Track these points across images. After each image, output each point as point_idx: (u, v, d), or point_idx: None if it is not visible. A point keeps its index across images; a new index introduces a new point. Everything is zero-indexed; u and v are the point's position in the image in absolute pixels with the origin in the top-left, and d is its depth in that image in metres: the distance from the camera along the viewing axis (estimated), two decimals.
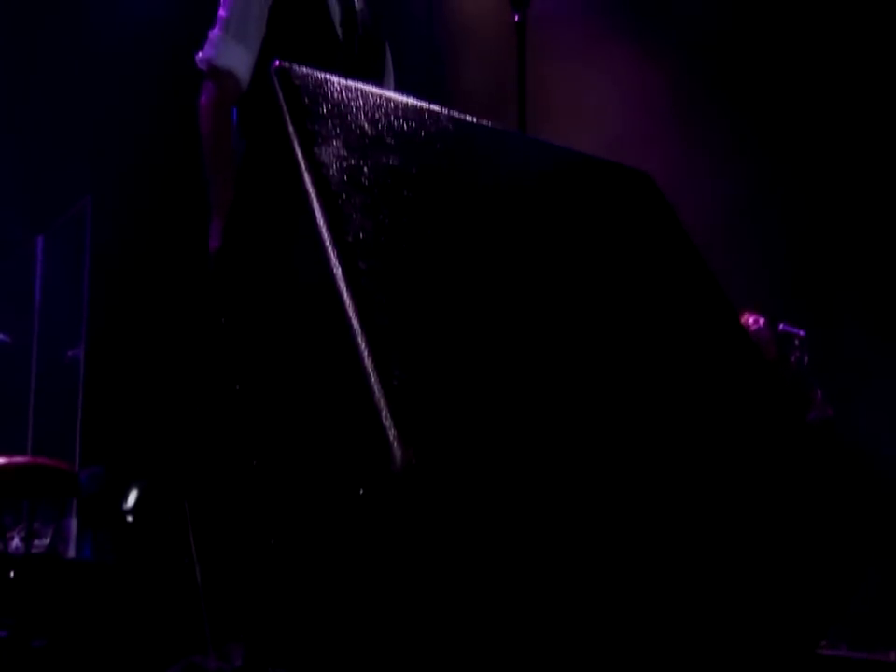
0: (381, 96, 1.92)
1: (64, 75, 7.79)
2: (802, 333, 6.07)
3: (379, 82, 3.97)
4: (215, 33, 3.70)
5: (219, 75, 3.65)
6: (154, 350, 7.43)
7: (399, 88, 4.10)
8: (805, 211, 7.57)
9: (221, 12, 3.72)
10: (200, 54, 3.71)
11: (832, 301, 7.33)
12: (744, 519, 1.86)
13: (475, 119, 2.08)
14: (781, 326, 6.05)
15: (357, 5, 3.91)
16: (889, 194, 7.29)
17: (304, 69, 1.86)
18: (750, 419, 2.07)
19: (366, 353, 1.56)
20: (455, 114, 2.04)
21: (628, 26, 8.23)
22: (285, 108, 1.78)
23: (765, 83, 7.92)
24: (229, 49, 3.66)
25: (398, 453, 1.49)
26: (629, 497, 1.70)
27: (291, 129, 1.75)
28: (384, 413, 1.52)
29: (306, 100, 1.78)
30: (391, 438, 1.50)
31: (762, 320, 6.23)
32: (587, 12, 7.75)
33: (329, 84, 1.86)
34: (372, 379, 1.54)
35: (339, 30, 3.80)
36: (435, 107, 2.01)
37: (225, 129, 3.62)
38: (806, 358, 6.00)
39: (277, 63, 1.83)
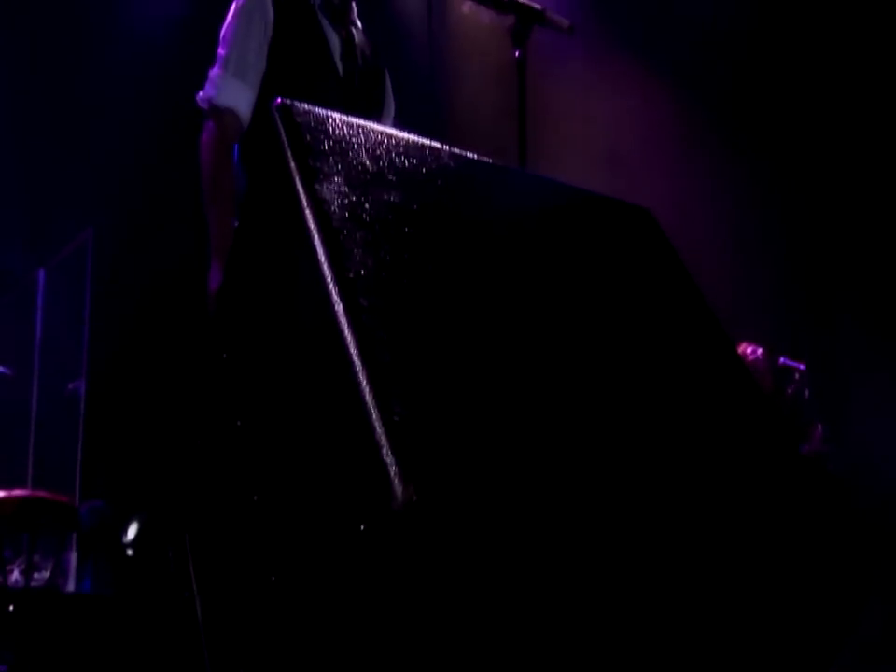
0: (382, 133, 1.93)
1: (67, 108, 7.82)
2: (802, 367, 6.08)
3: (379, 113, 4.00)
4: (214, 71, 3.72)
5: (220, 113, 3.67)
6: (155, 383, 7.43)
7: (400, 118, 4.13)
8: (808, 240, 7.59)
9: (220, 50, 3.74)
10: (200, 93, 3.73)
11: (830, 332, 7.35)
12: (734, 551, 1.86)
13: (476, 156, 2.09)
14: (781, 359, 6.06)
15: (357, 37, 3.94)
16: (891, 222, 7.31)
17: (306, 106, 1.87)
18: (743, 451, 2.07)
19: (367, 389, 1.57)
20: (456, 151, 2.05)
21: (629, 56, 8.28)
22: (286, 145, 1.78)
23: (767, 110, 7.96)
24: (229, 87, 3.68)
25: (398, 489, 1.49)
26: (630, 539, 1.70)
27: (293, 165, 1.76)
28: (384, 449, 1.52)
29: (308, 137, 1.79)
30: (392, 474, 1.50)
31: (759, 350, 6.24)
32: (588, 45, 7.79)
33: (330, 121, 1.87)
34: (373, 415, 1.55)
35: (338, 63, 3.82)
36: (436, 144, 2.02)
37: (226, 168, 3.63)
38: (807, 392, 6.00)
39: (279, 100, 1.84)
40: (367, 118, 3.74)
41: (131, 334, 7.68)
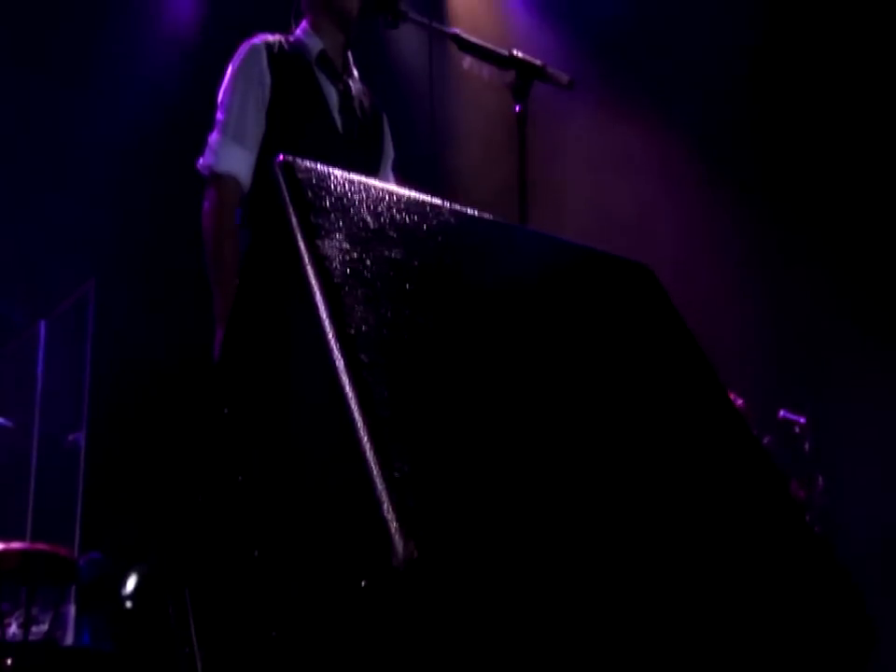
0: (383, 189, 1.95)
1: (69, 158, 7.86)
2: (803, 420, 6.07)
3: (378, 162, 4.02)
4: (213, 137, 3.75)
5: (220, 180, 3.69)
6: (155, 436, 7.43)
7: (401, 169, 4.15)
8: (809, 298, 7.62)
9: (219, 115, 3.77)
10: (200, 160, 3.75)
11: (829, 386, 7.36)
12: (725, 622, 1.86)
13: (476, 212, 2.11)
14: (782, 412, 6.06)
15: (354, 88, 3.97)
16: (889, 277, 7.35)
17: (308, 163, 1.88)
18: (740, 512, 2.07)
19: (367, 446, 1.57)
20: (457, 207, 2.06)
21: (631, 109, 8.34)
22: (288, 202, 1.80)
23: (770, 168, 8.01)
24: (228, 153, 3.70)
25: (399, 546, 1.49)
26: (629, 600, 1.70)
27: (294, 222, 1.77)
28: (385, 506, 1.52)
29: (309, 193, 1.81)
30: (392, 531, 1.50)
31: (739, 401, 6.25)
32: (589, 98, 7.85)
33: (332, 177, 1.88)
34: (374, 472, 1.55)
35: (337, 117, 3.85)
36: (437, 201, 2.03)
37: (228, 235, 3.64)
38: (808, 445, 5.99)
39: (281, 156, 1.85)
40: (366, 168, 3.79)
41: (131, 386, 7.69)
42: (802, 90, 7.99)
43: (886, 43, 7.69)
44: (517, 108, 3.45)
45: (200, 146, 3.78)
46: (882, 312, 7.43)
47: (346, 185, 1.88)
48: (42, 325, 8.36)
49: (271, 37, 3.86)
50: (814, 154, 7.91)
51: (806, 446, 5.99)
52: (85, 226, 7.77)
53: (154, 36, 8.23)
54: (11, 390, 8.00)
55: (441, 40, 3.78)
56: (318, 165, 1.89)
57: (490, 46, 3.57)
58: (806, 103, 7.97)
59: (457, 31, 3.68)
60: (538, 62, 3.50)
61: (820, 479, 6.01)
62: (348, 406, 1.60)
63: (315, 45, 3.90)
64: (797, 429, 6.00)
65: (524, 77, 3.46)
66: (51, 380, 8.24)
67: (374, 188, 1.93)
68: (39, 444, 8.16)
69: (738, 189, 8.08)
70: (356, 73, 4.04)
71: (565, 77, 3.52)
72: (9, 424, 7.08)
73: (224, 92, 3.79)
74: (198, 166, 3.75)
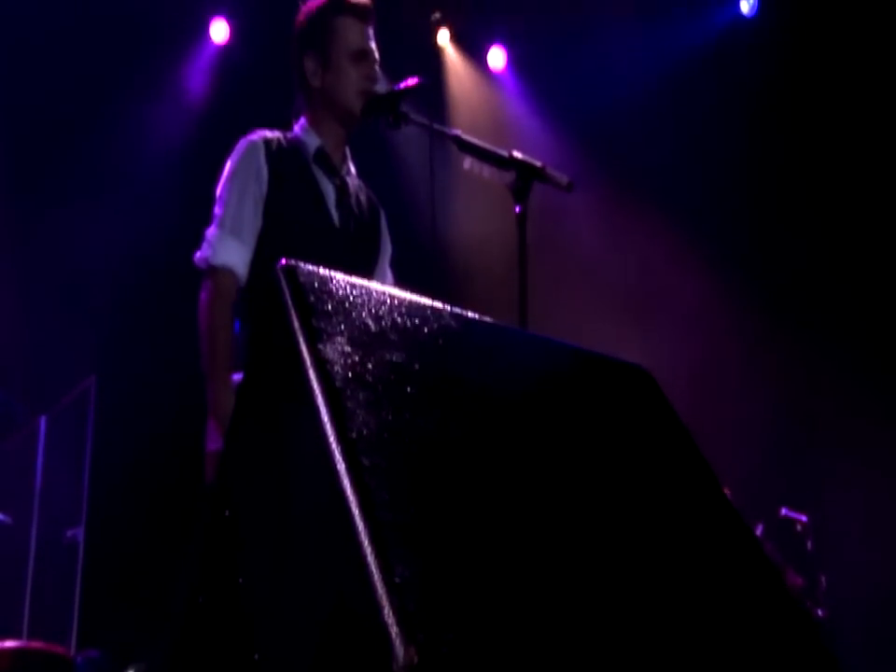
0: (384, 293, 1.97)
1: (68, 253, 7.90)
2: (804, 519, 6.04)
3: (375, 258, 4.05)
4: (211, 231, 3.79)
5: (217, 273, 3.73)
6: (154, 534, 7.40)
7: (400, 267, 4.18)
8: (811, 392, 7.63)
9: (217, 210, 3.82)
10: (198, 253, 3.79)
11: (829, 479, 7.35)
12: None
13: (476, 315, 2.13)
14: (783, 511, 6.02)
15: (351, 185, 4.01)
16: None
17: (309, 267, 1.90)
18: (738, 610, 2.07)
19: (368, 550, 1.57)
20: (458, 311, 2.08)
21: (631, 208, 8.42)
22: (290, 305, 1.82)
23: (771, 253, 8.07)
24: (225, 247, 3.74)
25: (400, 651, 1.49)
26: None
27: (296, 325, 1.79)
28: (385, 610, 1.53)
29: (311, 297, 1.83)
30: (393, 636, 1.50)
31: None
32: (590, 197, 7.92)
33: (333, 281, 1.90)
34: (375, 577, 1.55)
35: (333, 213, 3.89)
36: (437, 304, 2.05)
37: (223, 327, 3.69)
38: (809, 544, 5.96)
39: (283, 261, 1.88)
40: (363, 263, 3.83)
41: (131, 483, 7.67)
42: (801, 173, 8.07)
43: (880, 126, 7.79)
44: (517, 209, 3.48)
45: (199, 241, 3.83)
46: (883, 406, 7.44)
47: (348, 288, 1.90)
48: (42, 420, 8.35)
49: (269, 133, 3.92)
50: (817, 240, 7.97)
51: (808, 545, 5.96)
52: (85, 322, 7.79)
53: (153, 143, 8.35)
54: (10, 486, 7.97)
55: (442, 139, 3.82)
56: (320, 269, 1.92)
57: (490, 147, 3.61)
58: (806, 186, 8.06)
59: (458, 132, 3.72)
60: (537, 163, 3.53)
61: (823, 578, 5.97)
62: (349, 510, 1.61)
63: (314, 141, 3.95)
64: (799, 528, 5.97)
65: (523, 177, 3.49)
66: (51, 476, 8.21)
67: (375, 291, 1.95)
68: (37, 540, 8.11)
69: (740, 282, 8.13)
70: (353, 169, 4.09)
71: (564, 179, 3.55)
72: (8, 520, 7.04)
73: (222, 187, 3.84)
74: (195, 259, 3.80)
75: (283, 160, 3.86)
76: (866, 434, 7.39)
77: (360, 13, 3.98)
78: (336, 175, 3.96)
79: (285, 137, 3.95)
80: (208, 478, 3.51)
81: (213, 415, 3.59)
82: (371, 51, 3.96)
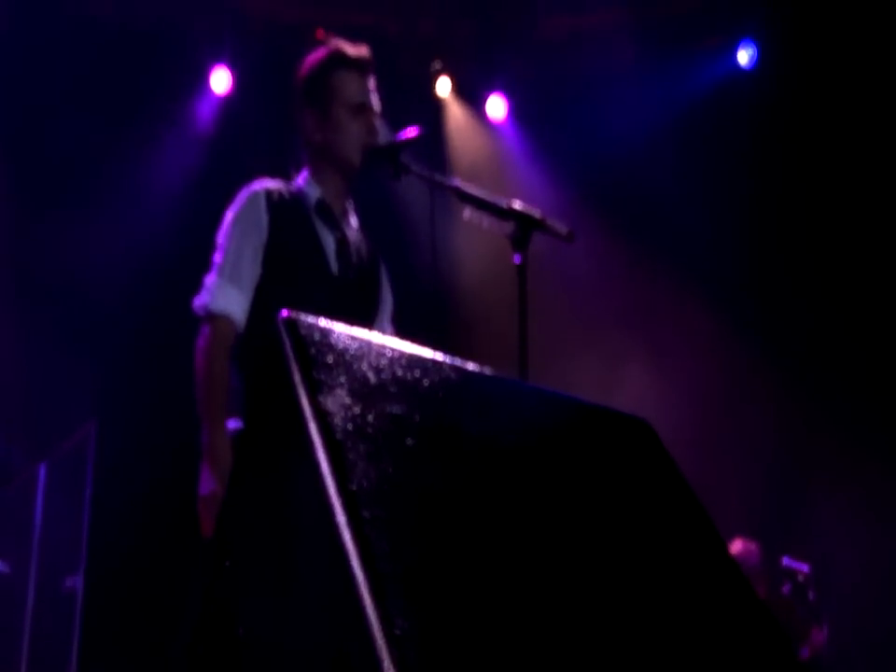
0: (385, 345, 1.98)
1: (69, 299, 7.92)
2: (805, 569, 6.01)
3: (375, 310, 4.07)
4: (210, 278, 3.83)
5: (215, 319, 3.77)
6: (154, 582, 7.37)
7: (402, 318, 4.19)
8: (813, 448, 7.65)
9: (216, 257, 3.85)
10: (196, 300, 3.82)
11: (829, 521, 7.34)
12: None
13: (477, 367, 2.13)
14: (785, 560, 6.00)
15: (352, 236, 4.03)
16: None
17: (310, 319, 1.91)
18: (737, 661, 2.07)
19: (368, 602, 1.58)
20: (458, 363, 2.09)
21: (632, 258, 8.45)
22: (291, 358, 1.83)
23: (773, 309, 8.09)
24: (223, 293, 3.77)
25: None
26: None
27: (297, 378, 1.80)
28: (385, 663, 1.53)
29: (312, 350, 1.84)
30: None
31: (752, 546, 6.20)
32: (591, 247, 7.95)
33: (334, 334, 1.91)
34: (375, 629, 1.55)
35: (333, 264, 3.91)
36: (437, 356, 2.06)
37: (220, 373, 3.73)
38: (811, 594, 5.93)
39: (285, 313, 1.88)
40: (362, 315, 3.85)
41: (131, 531, 7.64)
42: (802, 222, 8.11)
43: (880, 177, 7.84)
44: (517, 259, 3.49)
45: (198, 287, 3.86)
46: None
47: (348, 341, 1.91)
48: (41, 468, 8.33)
49: (270, 184, 3.95)
50: (816, 288, 8.00)
51: (811, 595, 5.93)
52: (86, 368, 7.80)
53: (156, 182, 8.38)
54: (8, 533, 7.94)
55: (443, 189, 3.85)
56: (321, 321, 1.92)
57: (489, 198, 3.62)
58: (807, 235, 8.09)
59: (458, 183, 3.74)
60: (537, 213, 3.55)
61: (825, 629, 5.93)
62: (349, 562, 1.61)
63: (315, 193, 3.98)
64: (801, 578, 5.93)
65: (523, 228, 3.51)
66: (50, 523, 8.19)
67: (376, 343, 1.96)
68: (36, 588, 8.07)
69: (741, 333, 8.15)
70: (355, 221, 4.11)
71: (564, 229, 3.57)
72: (5, 568, 7.02)
73: (223, 235, 3.88)
74: (194, 306, 3.83)
75: (284, 210, 3.89)
76: (865, 482, 7.40)
77: (360, 66, 4.02)
78: (337, 226, 3.99)
79: (286, 187, 3.98)
80: (201, 523, 3.53)
81: (207, 460, 3.61)
82: (370, 104, 3.99)
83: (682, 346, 8.22)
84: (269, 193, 3.90)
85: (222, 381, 3.72)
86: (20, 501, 8.24)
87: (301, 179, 4.04)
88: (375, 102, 4.02)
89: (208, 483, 3.55)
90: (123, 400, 7.95)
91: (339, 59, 4.02)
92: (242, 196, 3.91)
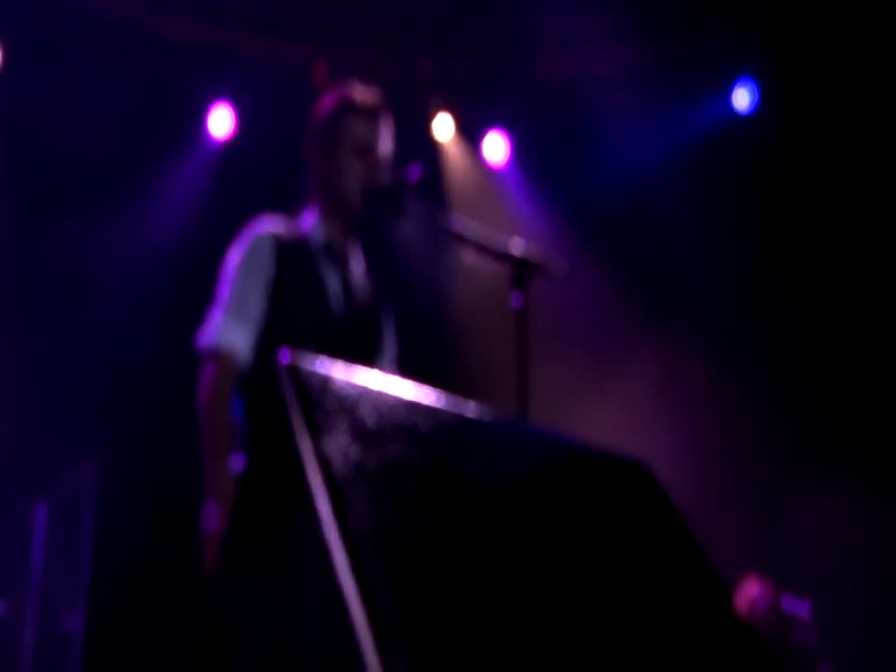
0: (385, 390, 1.99)
1: (67, 335, 7.93)
2: (805, 610, 5.98)
3: (378, 352, 4.08)
4: (215, 314, 3.85)
5: (219, 356, 3.79)
6: (154, 621, 7.35)
7: (404, 359, 4.21)
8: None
9: (221, 294, 3.88)
10: (201, 336, 3.84)
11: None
12: None
13: (477, 411, 2.15)
14: (786, 603, 5.97)
15: (356, 277, 4.06)
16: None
17: (313, 362, 1.93)
18: None
19: (370, 644, 1.59)
20: (458, 405, 2.11)
21: (631, 299, 8.47)
22: (292, 402, 1.84)
23: (773, 358, 8.12)
24: (227, 330, 3.79)
25: None
26: None
27: (298, 423, 1.81)
28: None
29: (313, 394, 1.85)
30: None
31: (767, 587, 6.17)
32: (590, 290, 7.98)
33: (335, 378, 1.93)
34: (375, 670, 1.56)
35: (336, 305, 3.94)
36: (437, 399, 2.08)
37: (223, 409, 3.74)
38: (814, 635, 5.90)
39: (287, 358, 1.90)
40: (364, 356, 3.86)
41: (132, 570, 7.62)
42: (803, 263, 8.13)
43: (883, 220, 7.87)
44: (517, 300, 3.51)
45: (202, 322, 3.88)
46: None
47: (349, 385, 1.93)
48: (40, 507, 8.31)
49: (276, 226, 3.98)
50: (817, 332, 8.02)
51: (812, 635, 5.90)
52: (85, 406, 7.79)
53: (165, 206, 8.40)
54: (6, 573, 7.91)
55: (443, 232, 3.88)
56: (323, 363, 1.94)
57: (488, 241, 3.65)
58: (811, 277, 8.11)
59: (457, 225, 3.78)
60: (536, 255, 3.58)
61: (828, 667, 5.90)
62: (349, 604, 1.62)
63: (319, 233, 4.01)
64: (803, 620, 5.91)
65: (522, 270, 3.54)
66: (48, 563, 8.17)
67: (376, 387, 1.98)
68: (33, 630, 8.04)
69: (743, 371, 8.16)
70: (359, 262, 4.13)
71: (562, 269, 3.60)
72: (3, 608, 6.99)
73: (228, 274, 3.91)
74: (198, 341, 3.85)
75: (289, 248, 3.93)
76: (866, 511, 7.41)
77: (369, 112, 4.06)
78: (341, 267, 4.02)
79: (291, 226, 4.03)
80: (204, 560, 3.53)
81: (209, 493, 3.62)
82: (376, 147, 4.02)
83: (683, 385, 8.23)
84: (276, 238, 3.94)
85: (225, 417, 3.73)
86: (17, 540, 8.21)
87: (306, 219, 4.07)
88: (384, 145, 4.06)
89: (212, 520, 3.55)
90: (124, 436, 7.94)
91: (349, 105, 4.07)
92: (248, 238, 3.94)
